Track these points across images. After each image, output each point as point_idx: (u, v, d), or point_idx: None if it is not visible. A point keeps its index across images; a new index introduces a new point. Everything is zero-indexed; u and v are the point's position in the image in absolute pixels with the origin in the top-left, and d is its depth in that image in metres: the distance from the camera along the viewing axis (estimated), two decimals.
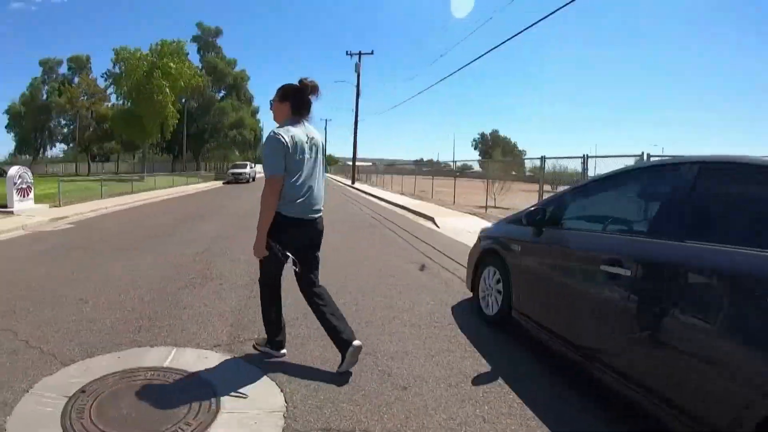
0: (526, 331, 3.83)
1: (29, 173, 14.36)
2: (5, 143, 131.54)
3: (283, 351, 3.51)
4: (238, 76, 65.47)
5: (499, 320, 4.21)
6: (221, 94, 64.88)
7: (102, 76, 45.73)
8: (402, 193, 24.89)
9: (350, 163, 47.33)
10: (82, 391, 3.06)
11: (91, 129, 62.13)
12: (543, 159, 12.63)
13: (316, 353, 3.68)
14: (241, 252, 7.67)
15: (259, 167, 40.97)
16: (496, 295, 4.30)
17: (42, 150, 66.42)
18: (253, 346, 3.64)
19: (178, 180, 32.53)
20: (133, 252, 7.97)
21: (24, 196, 13.88)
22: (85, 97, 61.13)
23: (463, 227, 11.29)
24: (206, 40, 63.64)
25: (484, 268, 4.61)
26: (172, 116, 42.21)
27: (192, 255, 7.53)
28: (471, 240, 9.91)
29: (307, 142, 3.08)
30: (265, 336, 3.55)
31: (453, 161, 28.34)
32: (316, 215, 3.21)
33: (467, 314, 4.72)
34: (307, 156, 3.07)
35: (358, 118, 40.95)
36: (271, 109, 3.26)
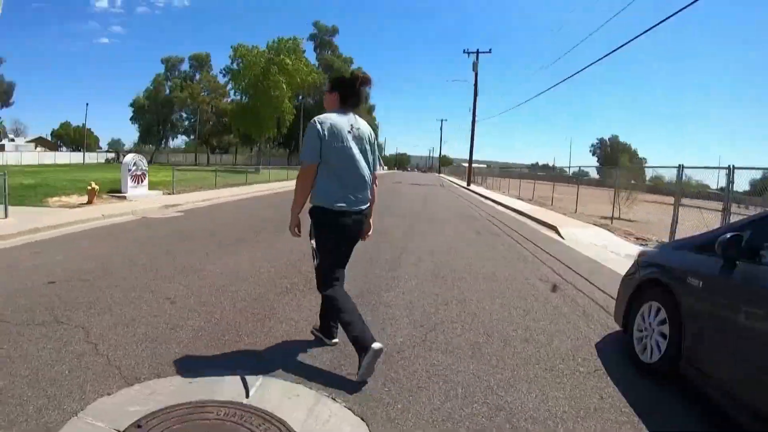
0: (703, 393, 3.06)
1: (144, 161, 15.21)
2: (131, 134, 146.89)
3: (335, 340, 3.59)
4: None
5: (661, 370, 3.47)
6: None
7: (221, 72, 48.97)
8: (519, 198, 23.52)
9: (464, 164, 46.30)
10: (138, 426, 2.41)
11: (210, 123, 66.92)
12: (681, 168, 10.70)
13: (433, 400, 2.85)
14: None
15: None
16: (658, 339, 3.55)
17: (164, 141, 73.14)
18: (311, 332, 3.80)
19: (291, 174, 33.51)
20: (237, 246, 7.75)
21: (138, 183, 14.68)
22: (206, 93, 67.45)
23: (590, 240, 10.63)
24: (322, 38, 66.46)
25: (642, 303, 3.86)
26: (288, 112, 43.95)
27: (298, 255, 7.00)
28: (600, 255, 9.01)
29: (349, 132, 3.11)
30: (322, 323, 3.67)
31: (569, 167, 26.24)
32: (354, 206, 3.18)
33: (617, 357, 3.94)
34: (346, 145, 3.09)
35: (476, 119, 39.60)
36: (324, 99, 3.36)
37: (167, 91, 69.05)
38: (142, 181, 14.99)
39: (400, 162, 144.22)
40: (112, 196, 14.04)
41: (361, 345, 3.01)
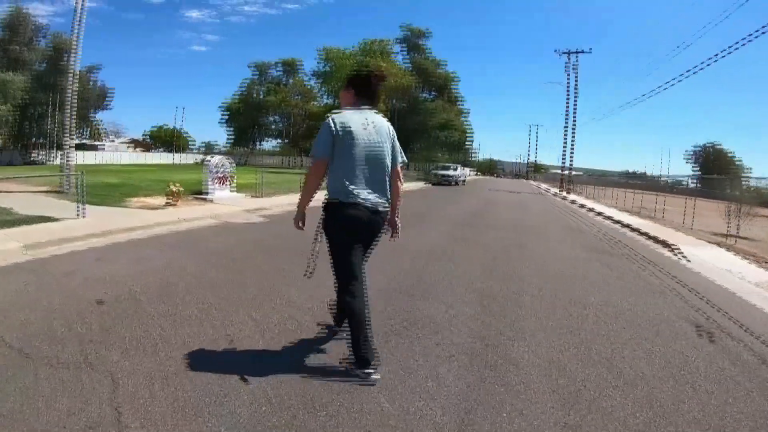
0: None
1: (230, 162, 14.94)
2: (224, 136, 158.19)
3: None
4: (446, 77, 67.74)
5: None
6: (429, 96, 67.32)
7: (310, 75, 50.08)
8: (619, 209, 21.76)
9: (556, 171, 43.96)
10: None
11: (303, 126, 69.51)
12: None
13: None
14: (466, 284, 6.00)
15: (469, 170, 41.42)
16: None
17: (256, 143, 76.52)
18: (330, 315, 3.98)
19: None
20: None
21: (223, 185, 14.53)
22: (296, 97, 70.22)
23: (718, 264, 9.39)
24: (413, 41, 66.84)
25: None
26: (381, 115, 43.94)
27: (397, 279, 5.89)
28: (736, 285, 7.21)
29: (365, 127, 3.23)
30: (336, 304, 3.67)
31: (668, 176, 23.95)
32: (369, 203, 3.23)
33: None
34: (359, 141, 3.19)
35: (571, 124, 36.92)
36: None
37: (259, 95, 72.33)
38: (227, 183, 14.74)
39: (490, 168, 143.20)
40: (196, 198, 13.93)
41: (361, 361, 3.14)
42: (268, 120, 74.96)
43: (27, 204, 10.40)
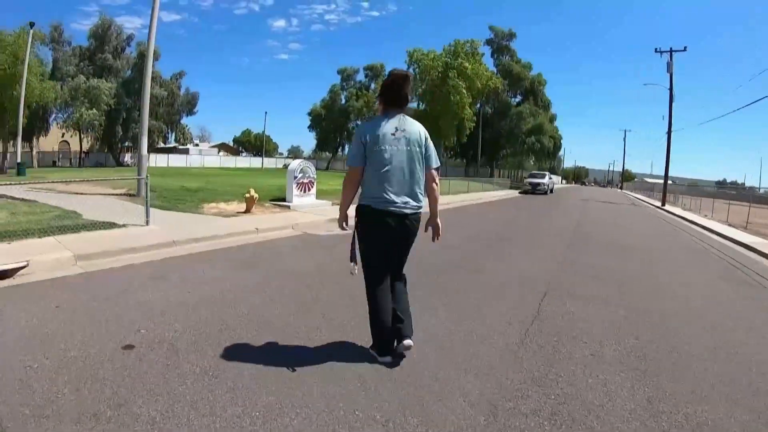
0: None
1: (312, 168, 14.12)
2: (309, 141, 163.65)
3: (389, 358, 3.48)
4: (534, 80, 66.39)
5: None
6: (517, 100, 66.00)
7: None
8: (726, 222, 18.77)
9: (648, 180, 40.26)
10: None
11: None
12: None
13: None
14: (600, 337, 4.42)
15: (556, 178, 40.01)
16: None
17: (340, 148, 77.38)
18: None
19: (473, 185, 31.68)
20: (436, 293, 5.55)
21: (304, 191, 13.61)
22: None
23: None
24: (499, 43, 65.71)
25: None
26: (468, 118, 42.76)
27: (501, 328, 4.45)
28: None
29: (394, 135, 3.38)
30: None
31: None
32: (399, 209, 3.39)
33: None
34: (389, 148, 3.36)
35: (672, 129, 33.17)
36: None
37: (343, 100, 73.81)
38: (309, 190, 13.85)
39: (577, 175, 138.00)
40: (275, 204, 13.10)
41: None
42: (353, 125, 76.11)
43: (97, 207, 9.92)
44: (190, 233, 8.20)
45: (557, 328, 4.45)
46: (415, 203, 3.47)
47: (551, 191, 39.45)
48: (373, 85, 73.17)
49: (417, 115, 44.70)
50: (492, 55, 65.49)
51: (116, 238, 7.57)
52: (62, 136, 49.08)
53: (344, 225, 3.70)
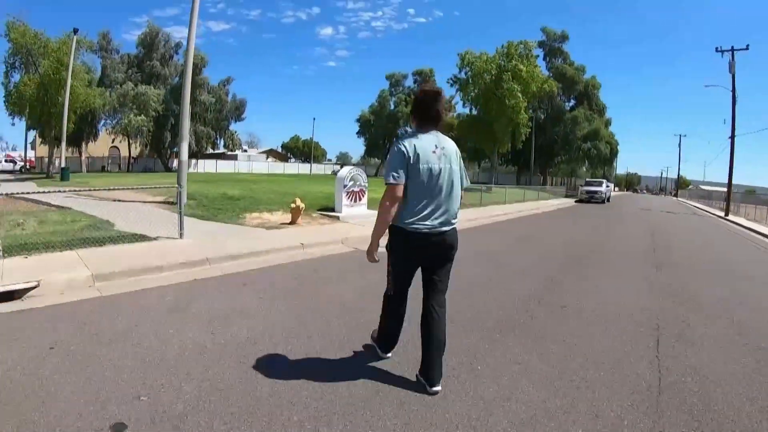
0: None
1: (363, 175, 13.14)
2: (359, 147, 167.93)
3: (389, 354, 3.72)
4: (588, 84, 63.60)
5: None
6: (570, 104, 63.87)
7: (448, 82, 48.39)
8: None
9: (705, 187, 37.94)
10: None
11: None
12: None
13: None
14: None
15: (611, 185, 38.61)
16: None
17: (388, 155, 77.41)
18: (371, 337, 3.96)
19: (529, 194, 30.36)
20: (526, 334, 4.47)
21: (355, 201, 12.68)
22: None
23: None
24: (551, 45, 63.77)
25: None
26: (524, 124, 41.18)
27: (614, 402, 3.32)
28: None
29: (435, 152, 3.28)
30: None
31: None
32: (439, 228, 3.31)
33: None
34: (431, 166, 3.25)
35: (735, 133, 30.55)
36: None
37: (392, 106, 73.51)
38: (360, 199, 12.88)
39: (629, 182, 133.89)
40: (323, 215, 12.23)
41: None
42: (403, 131, 75.49)
43: (133, 216, 9.20)
44: (227, 248, 7.38)
45: (690, 404, 3.17)
46: (453, 221, 3.41)
47: (608, 200, 37.59)
48: None
49: (470, 121, 43.13)
50: (544, 58, 63.55)
51: (144, 253, 6.82)
52: (112, 142, 50.35)
53: (376, 257, 3.44)
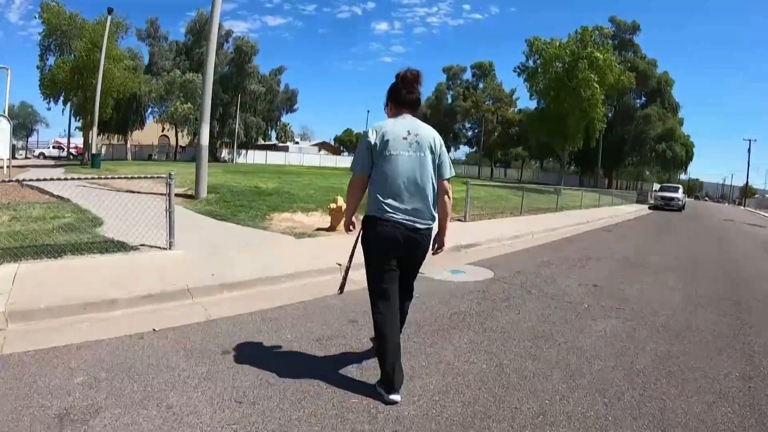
0: None
1: None
2: None
3: (395, 397, 2.93)
4: (661, 80, 57.50)
5: None
6: (640, 101, 58.53)
7: (514, 71, 45.38)
8: None
9: None
10: None
11: (495, 134, 67.40)
12: None
13: None
14: None
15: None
16: None
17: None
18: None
19: (605, 198, 27.41)
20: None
21: None
22: (490, 102, 67.61)
23: None
24: (621, 37, 58.57)
25: None
26: (600, 119, 37.38)
27: None
28: None
29: (406, 138, 3.16)
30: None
31: None
32: (408, 221, 3.11)
33: None
34: (398, 153, 3.12)
35: None
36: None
37: (449, 100, 71.40)
38: None
39: (690, 189, 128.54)
40: None
41: (386, 382, 2.97)
42: (459, 127, 72.97)
43: (134, 212, 6.85)
44: (229, 268, 5.18)
45: None
46: (427, 215, 3.16)
47: (683, 207, 34.04)
48: (481, 84, 70.06)
49: (539, 114, 40.05)
50: (614, 51, 59.27)
51: (105, 273, 4.73)
52: (162, 131, 49.78)
53: (351, 227, 3.39)
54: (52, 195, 10.05)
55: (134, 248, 5.69)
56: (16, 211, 7.89)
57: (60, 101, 31.19)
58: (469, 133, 75.17)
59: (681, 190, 35.12)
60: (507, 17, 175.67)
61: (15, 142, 51.58)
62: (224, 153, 49.77)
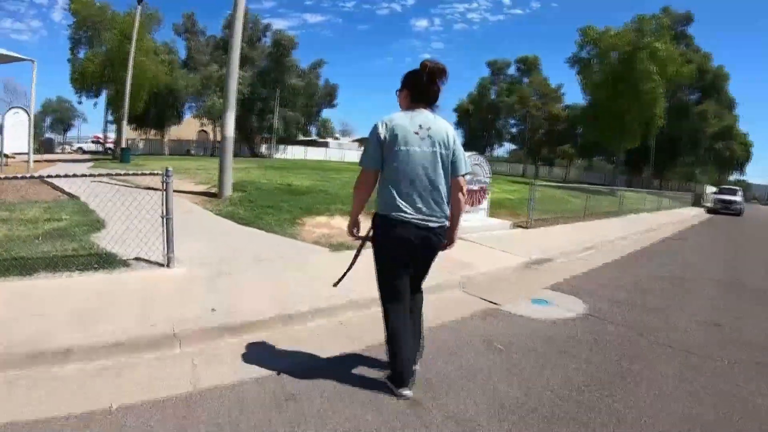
0: None
1: (486, 166, 9.20)
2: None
3: (407, 393, 2.96)
4: (717, 74, 53.73)
5: None
6: (693, 97, 54.98)
7: (567, 62, 43.20)
8: None
9: None
10: None
11: (541, 130, 65.58)
12: None
13: None
14: None
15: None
16: None
17: (489, 148, 73.11)
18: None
19: (663, 201, 25.30)
20: None
21: (473, 204, 8.64)
22: (536, 98, 65.66)
23: None
24: (674, 28, 54.90)
25: None
26: (660, 115, 34.83)
27: None
28: None
29: (418, 133, 2.98)
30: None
31: None
32: (420, 220, 2.98)
33: None
34: (410, 149, 2.96)
35: None
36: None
37: (493, 95, 69.30)
38: (479, 202, 8.82)
39: (731, 189, 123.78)
40: None
41: (396, 377, 2.98)
42: (503, 123, 71.46)
43: (143, 215, 5.67)
44: (239, 297, 3.97)
45: None
46: (441, 214, 3.02)
47: (743, 211, 32.13)
48: (525, 80, 68.46)
49: (593, 111, 37.89)
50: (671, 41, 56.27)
51: (71, 305, 3.54)
52: (201, 126, 49.61)
53: (355, 231, 3.19)
54: (63, 192, 9.12)
55: (125, 264, 4.52)
56: (10, 212, 6.87)
57: (92, 95, 30.98)
58: (513, 130, 73.95)
59: (740, 193, 33.18)
60: (548, 13, 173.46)
61: (53, 137, 52.26)
62: (263, 148, 49.45)
